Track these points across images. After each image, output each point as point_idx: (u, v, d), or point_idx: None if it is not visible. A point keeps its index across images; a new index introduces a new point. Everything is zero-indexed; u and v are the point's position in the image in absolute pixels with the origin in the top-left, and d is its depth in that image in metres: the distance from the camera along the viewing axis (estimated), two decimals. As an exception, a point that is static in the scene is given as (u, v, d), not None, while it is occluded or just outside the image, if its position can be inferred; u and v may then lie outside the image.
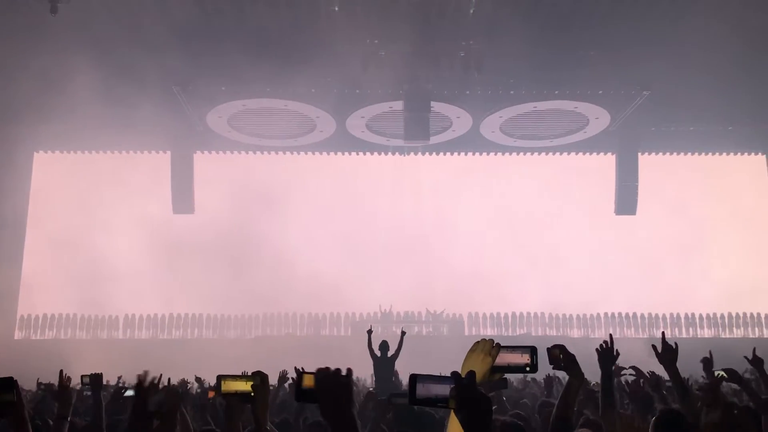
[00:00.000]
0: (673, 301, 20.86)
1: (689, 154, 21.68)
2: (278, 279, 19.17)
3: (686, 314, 21.40)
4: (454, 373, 1.54)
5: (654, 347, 3.73)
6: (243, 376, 2.19)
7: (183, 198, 20.70)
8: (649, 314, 21.30)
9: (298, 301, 20.25)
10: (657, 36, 15.33)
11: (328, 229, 21.28)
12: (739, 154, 21.96)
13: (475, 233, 21.25)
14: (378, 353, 9.93)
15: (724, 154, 21.78)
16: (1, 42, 15.51)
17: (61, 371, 3.30)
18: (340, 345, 17.20)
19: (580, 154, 21.73)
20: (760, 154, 22.16)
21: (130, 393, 5.66)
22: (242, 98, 18.44)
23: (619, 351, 3.33)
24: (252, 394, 2.21)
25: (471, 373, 1.54)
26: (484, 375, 1.83)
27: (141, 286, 19.61)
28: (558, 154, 21.83)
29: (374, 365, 9.87)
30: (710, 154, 21.75)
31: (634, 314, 21.31)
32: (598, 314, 21.30)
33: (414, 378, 1.57)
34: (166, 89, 16.93)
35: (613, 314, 21.25)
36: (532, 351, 1.95)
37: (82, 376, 4.24)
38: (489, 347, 1.86)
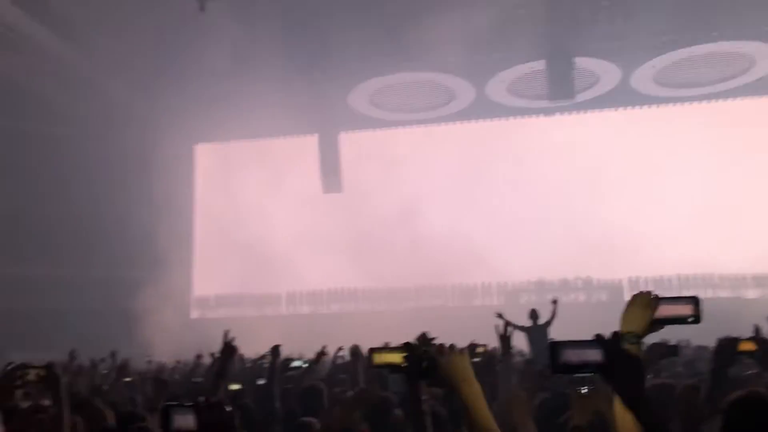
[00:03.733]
0: None
1: None
2: (428, 251, 19.33)
3: None
4: (598, 336, 1.44)
5: None
6: (395, 348, 2.18)
7: (331, 178, 21.44)
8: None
9: (449, 271, 20.28)
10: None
11: (475, 198, 21.07)
12: None
13: (629, 191, 20.04)
14: (528, 324, 9.68)
15: None
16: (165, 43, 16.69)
17: (226, 335, 3.83)
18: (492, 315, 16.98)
19: (744, 99, 19.75)
20: None
21: (297, 363, 6.01)
22: (380, 75, 18.65)
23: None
24: (403, 365, 2.21)
25: (615, 335, 1.44)
26: (645, 328, 1.77)
27: (299, 264, 20.57)
28: (718, 101, 20.00)
29: (528, 336, 9.63)
30: None
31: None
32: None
33: (555, 345, 1.48)
34: (308, 71, 17.51)
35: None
36: (695, 301, 1.82)
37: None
38: (648, 299, 1.80)
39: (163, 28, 16.13)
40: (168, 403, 1.54)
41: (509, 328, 4.66)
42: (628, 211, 19.48)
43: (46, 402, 2.82)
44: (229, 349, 3.73)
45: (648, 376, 4.25)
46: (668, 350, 3.39)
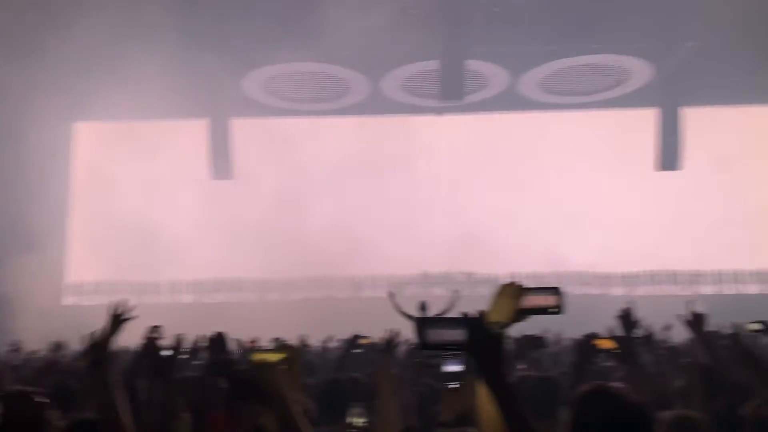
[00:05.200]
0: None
1: (734, 106, 20.86)
2: (317, 242, 19.30)
3: (734, 271, 20.91)
4: (463, 315, 1.48)
5: (682, 315, 3.64)
6: (272, 349, 2.18)
7: (221, 164, 20.92)
8: (695, 271, 20.88)
9: (336, 262, 20.35)
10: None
11: (365, 191, 21.26)
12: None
13: (509, 192, 20.96)
14: (417, 314, 9.88)
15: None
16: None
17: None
18: (381, 306, 17.27)
19: (618, 110, 21.16)
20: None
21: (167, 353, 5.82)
22: (275, 62, 18.39)
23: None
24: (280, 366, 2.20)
25: (481, 313, 1.49)
26: (510, 318, 1.82)
27: (183, 252, 19.94)
28: (596, 110, 21.29)
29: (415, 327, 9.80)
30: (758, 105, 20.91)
31: (677, 271, 20.91)
32: (640, 272, 20.95)
33: (421, 323, 1.50)
34: (201, 55, 16.99)
35: (654, 272, 20.91)
36: (558, 292, 1.91)
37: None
38: (514, 290, 1.85)
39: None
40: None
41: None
42: (510, 208, 20.37)
43: None
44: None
45: (521, 367, 4.52)
46: (536, 342, 3.59)
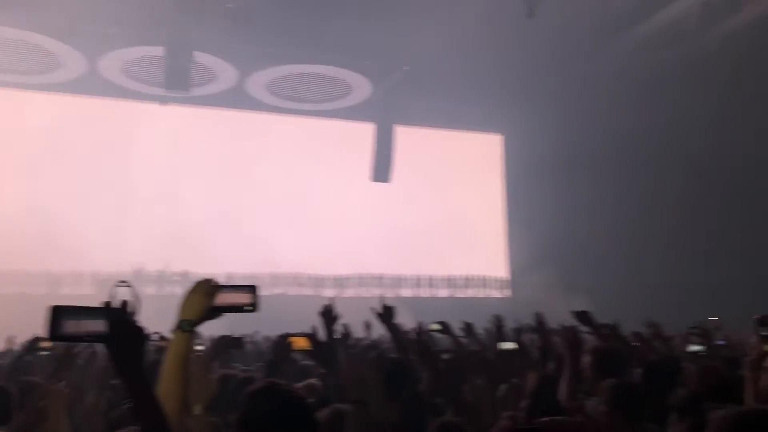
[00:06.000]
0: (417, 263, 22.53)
1: (440, 128, 23.36)
2: (7, 231, 17.07)
3: (430, 276, 23.24)
4: (104, 305, 1.43)
5: (374, 308, 3.92)
6: None
7: None
8: (396, 275, 22.77)
9: (31, 257, 18.20)
10: (419, 14, 16.16)
11: (69, 178, 19.37)
12: (482, 132, 24.34)
13: (228, 190, 20.85)
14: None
15: (470, 131, 23.96)
16: None
17: None
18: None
19: (341, 120, 22.35)
20: (497, 133, 24.81)
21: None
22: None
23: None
24: None
25: (124, 303, 1.46)
26: (202, 316, 1.79)
27: None
28: (321, 118, 22.21)
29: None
30: (458, 130, 23.68)
31: (382, 275, 22.60)
32: (350, 275, 22.24)
33: (56, 311, 1.41)
34: None
35: (363, 275, 22.34)
36: (254, 290, 1.90)
37: None
38: (208, 287, 1.82)
39: None
40: None
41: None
42: (227, 206, 20.22)
43: None
44: None
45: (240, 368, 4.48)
46: (233, 342, 3.59)
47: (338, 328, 4.16)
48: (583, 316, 4.20)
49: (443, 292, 23.21)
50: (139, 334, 1.42)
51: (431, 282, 23.36)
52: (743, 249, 15.37)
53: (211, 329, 2.37)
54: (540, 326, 5.04)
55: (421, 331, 5.35)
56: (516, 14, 15.27)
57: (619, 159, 18.44)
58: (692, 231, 16.88)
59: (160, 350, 4.17)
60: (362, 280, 22.41)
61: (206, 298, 1.80)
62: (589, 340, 4.28)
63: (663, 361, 3.88)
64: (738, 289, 13.47)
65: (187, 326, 1.76)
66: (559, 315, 5.61)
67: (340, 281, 22.17)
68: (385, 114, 21.41)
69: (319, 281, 21.95)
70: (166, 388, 1.68)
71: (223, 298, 1.83)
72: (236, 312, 1.86)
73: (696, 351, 4.76)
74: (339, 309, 3.97)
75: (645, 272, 17.12)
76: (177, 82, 17.55)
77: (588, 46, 17.71)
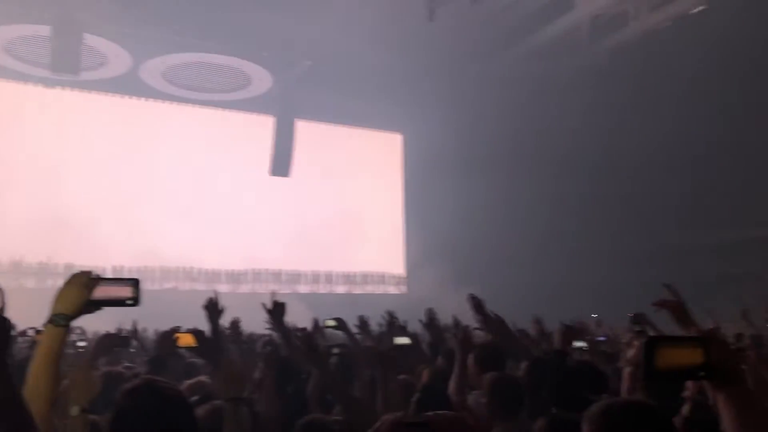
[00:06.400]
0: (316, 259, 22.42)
1: (342, 125, 23.38)
2: None
3: (328, 272, 23.20)
4: None
5: (264, 304, 3.87)
6: None
7: None
8: (294, 271, 22.58)
9: None
10: (322, 10, 16.11)
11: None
12: (382, 130, 24.58)
13: (118, 180, 19.88)
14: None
15: (371, 129, 24.14)
16: None
17: None
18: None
19: (240, 112, 21.89)
20: (397, 132, 25.14)
21: None
22: None
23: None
24: None
25: None
26: (78, 309, 1.72)
27: None
28: (219, 109, 21.66)
29: None
30: (359, 127, 23.79)
31: (280, 271, 22.34)
32: (245, 270, 21.81)
33: None
34: None
35: (259, 270, 21.98)
36: (135, 283, 1.84)
37: None
38: (85, 280, 1.74)
39: None
40: None
41: None
42: (116, 197, 19.32)
43: None
44: None
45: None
46: (118, 341, 3.46)
47: (225, 323, 4.05)
48: (476, 303, 4.30)
49: (341, 289, 23.26)
50: (7, 329, 1.33)
51: (329, 278, 23.35)
52: (624, 252, 16.41)
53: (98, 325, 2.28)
54: (431, 322, 5.15)
55: (316, 328, 5.34)
56: (417, 16, 15.54)
57: (513, 160, 19.18)
58: (585, 232, 17.83)
59: (34, 345, 3.92)
60: (258, 276, 22.06)
61: (83, 290, 1.73)
62: (479, 336, 4.41)
63: (546, 357, 4.05)
64: (620, 288, 14.34)
65: (60, 320, 1.68)
66: (453, 310, 5.77)
67: (235, 276, 21.71)
68: (286, 108, 21.11)
69: (213, 276, 21.36)
70: (34, 386, 1.59)
71: (103, 292, 1.77)
72: (117, 306, 1.80)
73: (578, 347, 5.00)
74: (233, 305, 3.88)
75: (536, 270, 17.91)
76: (64, 65, 16.58)
77: (485, 51, 18.30)
